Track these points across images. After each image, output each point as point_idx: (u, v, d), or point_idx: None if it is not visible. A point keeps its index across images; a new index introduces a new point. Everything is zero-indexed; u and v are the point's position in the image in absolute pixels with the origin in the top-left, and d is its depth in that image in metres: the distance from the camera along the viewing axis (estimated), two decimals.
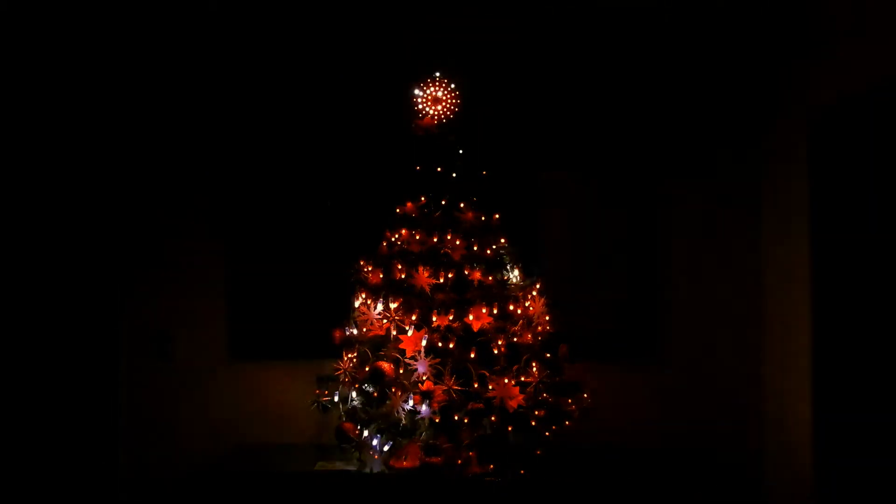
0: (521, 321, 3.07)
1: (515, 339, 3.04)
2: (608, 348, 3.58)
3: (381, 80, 3.60)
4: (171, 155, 3.68)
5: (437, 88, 3.17)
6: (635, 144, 3.63)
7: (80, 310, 3.63)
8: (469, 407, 2.92)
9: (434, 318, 2.98)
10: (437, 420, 2.89)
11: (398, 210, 3.17)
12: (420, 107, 3.18)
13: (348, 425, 3.06)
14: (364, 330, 3.11)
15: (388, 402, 2.96)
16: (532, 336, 3.08)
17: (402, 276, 3.06)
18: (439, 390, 2.90)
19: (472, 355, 2.96)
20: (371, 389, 2.99)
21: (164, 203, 3.67)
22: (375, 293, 3.08)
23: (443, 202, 3.12)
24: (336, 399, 3.15)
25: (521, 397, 2.97)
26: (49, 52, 3.62)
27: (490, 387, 2.93)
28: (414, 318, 3.00)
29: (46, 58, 3.62)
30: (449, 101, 3.17)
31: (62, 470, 3.58)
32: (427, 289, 2.98)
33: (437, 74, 3.17)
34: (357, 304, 3.14)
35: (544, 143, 3.63)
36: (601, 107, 3.63)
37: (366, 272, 3.15)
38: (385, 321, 3.04)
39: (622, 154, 3.63)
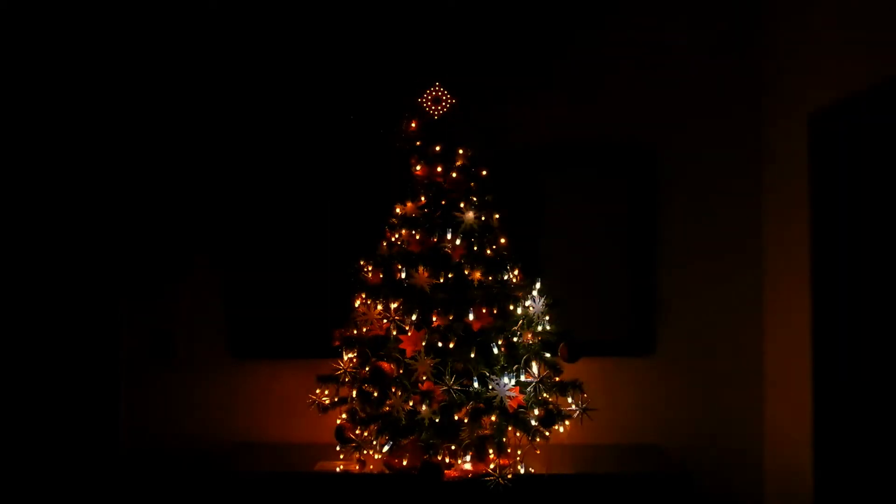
0: (521, 321, 3.07)
1: (515, 339, 3.04)
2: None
3: (382, 79, 3.61)
4: (170, 154, 3.68)
5: (437, 89, 3.18)
6: (634, 141, 3.62)
7: (80, 310, 3.64)
8: (469, 407, 2.92)
9: (434, 318, 2.98)
10: (437, 420, 2.89)
11: (398, 210, 3.17)
12: (420, 107, 3.18)
13: (348, 425, 3.07)
14: (364, 330, 3.11)
15: (388, 402, 2.96)
16: (532, 336, 3.09)
17: (402, 276, 3.06)
18: (439, 390, 2.91)
19: (472, 355, 2.96)
20: (371, 389, 3.00)
21: (164, 201, 3.68)
22: (375, 293, 3.08)
23: (443, 202, 3.11)
24: (336, 399, 3.16)
25: (520, 397, 2.97)
26: (50, 54, 3.63)
27: (490, 387, 2.93)
28: (414, 318, 3.00)
29: (47, 60, 3.64)
30: (449, 100, 3.17)
31: (60, 471, 3.59)
32: (427, 289, 2.98)
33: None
34: (357, 304, 3.15)
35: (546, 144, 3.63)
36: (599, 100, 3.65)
37: (366, 272, 3.15)
38: (385, 321, 3.04)
39: (622, 150, 3.62)
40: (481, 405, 2.92)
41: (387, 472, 3.00)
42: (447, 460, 2.92)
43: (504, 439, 2.95)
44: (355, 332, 3.13)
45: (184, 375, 3.66)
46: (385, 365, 2.97)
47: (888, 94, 2.61)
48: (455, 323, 2.98)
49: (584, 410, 3.04)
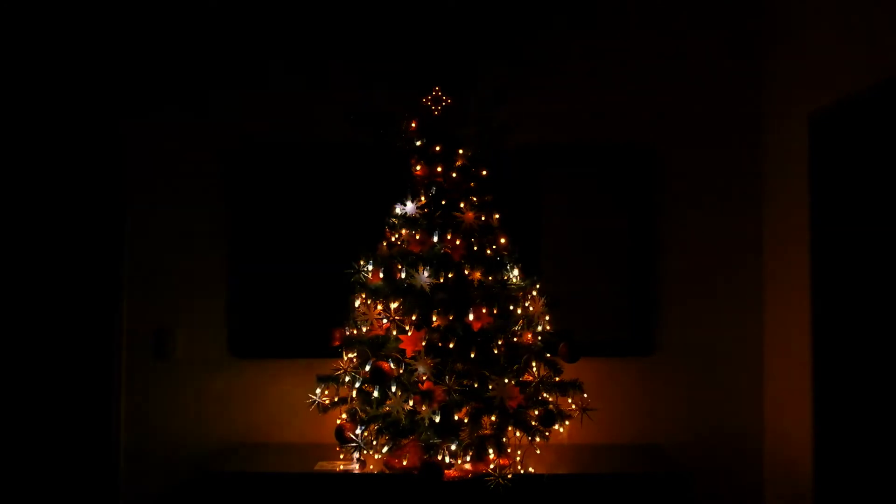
0: (521, 321, 3.07)
1: (515, 339, 3.04)
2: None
3: (382, 78, 3.61)
4: (171, 153, 3.68)
5: (437, 91, 3.18)
6: (634, 142, 3.62)
7: (80, 309, 3.64)
8: (469, 407, 2.92)
9: (434, 318, 2.98)
10: (437, 420, 2.89)
11: (398, 210, 3.17)
12: (421, 106, 3.18)
13: (348, 425, 3.07)
14: (364, 330, 3.11)
15: (388, 402, 2.96)
16: (532, 336, 3.08)
17: (402, 276, 3.06)
18: (439, 390, 2.90)
19: (472, 355, 2.95)
20: (371, 389, 3.00)
21: (164, 200, 3.68)
22: (375, 293, 3.08)
23: (443, 202, 3.11)
24: (336, 399, 3.16)
25: (521, 397, 2.97)
26: (51, 49, 3.63)
27: (490, 386, 2.93)
28: (414, 318, 3.00)
29: (47, 54, 3.64)
30: (450, 100, 3.17)
31: (59, 470, 3.59)
32: (427, 289, 2.98)
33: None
34: (357, 304, 3.14)
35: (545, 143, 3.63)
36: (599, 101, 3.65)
37: (366, 272, 3.15)
38: (385, 321, 3.04)
39: (618, 152, 3.62)
40: (481, 405, 2.92)
41: (387, 472, 3.00)
42: (447, 460, 2.92)
43: (504, 439, 2.95)
44: (355, 332, 3.13)
45: (184, 375, 3.66)
46: (385, 365, 2.97)
47: (888, 94, 2.61)
48: (455, 323, 2.98)
49: (584, 410, 3.04)
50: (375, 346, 3.05)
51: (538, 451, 3.12)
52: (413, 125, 3.19)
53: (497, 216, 3.19)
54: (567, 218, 3.61)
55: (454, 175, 3.15)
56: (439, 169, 3.15)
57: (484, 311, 3.00)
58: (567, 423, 3.06)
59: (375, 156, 3.52)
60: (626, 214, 3.59)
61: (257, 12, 3.68)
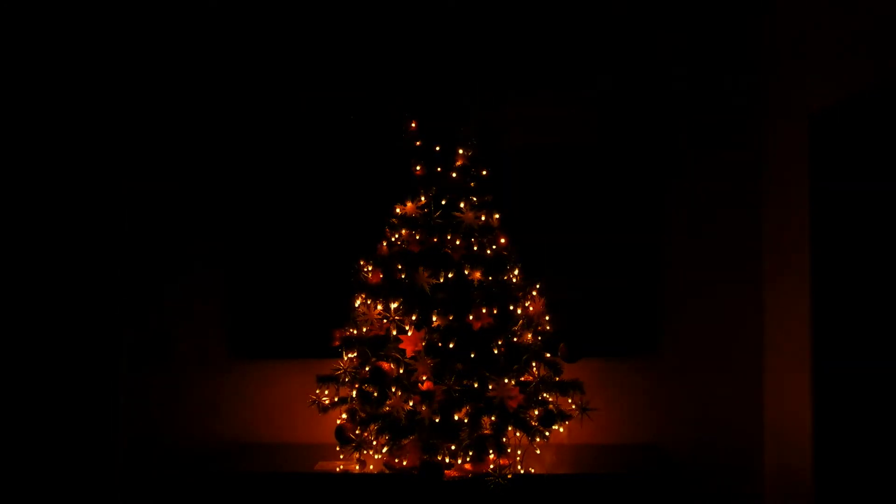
0: (521, 321, 3.07)
1: (515, 339, 3.04)
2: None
3: (382, 78, 3.61)
4: (170, 154, 3.68)
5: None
6: (636, 143, 3.62)
7: (81, 310, 3.64)
8: (469, 407, 2.92)
9: (434, 318, 2.98)
10: (437, 420, 2.89)
11: (398, 210, 3.17)
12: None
13: (348, 425, 3.07)
14: (364, 330, 3.11)
15: (388, 402, 2.96)
16: (532, 336, 3.09)
17: (402, 276, 3.06)
18: (439, 390, 2.91)
19: (472, 355, 2.96)
20: (371, 389, 3.00)
21: (164, 201, 3.68)
22: (375, 293, 3.08)
23: (443, 202, 3.11)
24: (336, 399, 3.16)
25: (521, 397, 2.97)
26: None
27: (490, 386, 2.93)
28: (414, 318, 3.00)
29: (56, 61, 3.63)
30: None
31: (60, 470, 3.59)
32: (427, 289, 2.98)
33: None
34: (357, 304, 3.15)
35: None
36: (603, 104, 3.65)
37: (366, 272, 3.15)
38: (385, 321, 3.04)
39: (623, 158, 3.62)
40: (481, 405, 2.92)
41: (387, 472, 3.00)
42: (447, 460, 2.92)
43: (504, 439, 2.95)
44: (355, 332, 3.13)
45: (184, 375, 3.66)
46: (385, 365, 2.97)
47: (888, 94, 2.62)
48: (455, 323, 2.98)
49: (584, 410, 3.04)
50: (375, 346, 3.05)
51: (538, 451, 3.13)
52: (413, 125, 3.19)
53: (497, 216, 3.19)
54: (568, 218, 3.61)
55: (454, 175, 3.15)
56: (439, 169, 3.15)
57: (484, 311, 3.00)
58: (567, 423, 3.06)
59: (375, 155, 3.52)
60: (626, 216, 3.59)
61: (258, 12, 3.68)
